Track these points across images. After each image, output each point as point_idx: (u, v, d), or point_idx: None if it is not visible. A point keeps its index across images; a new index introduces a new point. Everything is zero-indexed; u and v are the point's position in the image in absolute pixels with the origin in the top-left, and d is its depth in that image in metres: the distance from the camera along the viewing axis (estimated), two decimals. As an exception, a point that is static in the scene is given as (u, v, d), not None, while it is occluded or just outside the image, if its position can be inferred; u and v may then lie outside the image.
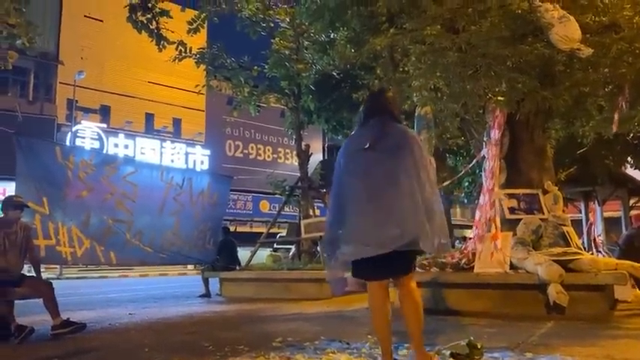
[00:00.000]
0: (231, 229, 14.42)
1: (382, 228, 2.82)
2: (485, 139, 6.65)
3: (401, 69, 6.45)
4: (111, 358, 4.00)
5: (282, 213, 11.91)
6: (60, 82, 24.77)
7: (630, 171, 14.95)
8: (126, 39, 22.84)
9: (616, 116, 6.09)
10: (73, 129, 23.51)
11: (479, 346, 3.26)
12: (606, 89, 6.01)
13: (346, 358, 3.23)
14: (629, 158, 12.96)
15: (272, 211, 26.42)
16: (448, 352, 3.22)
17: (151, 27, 8.43)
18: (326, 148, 33.03)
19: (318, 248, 10.25)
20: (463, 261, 6.39)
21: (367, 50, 6.61)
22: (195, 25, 10.09)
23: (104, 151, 23.57)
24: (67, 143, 21.99)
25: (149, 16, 8.23)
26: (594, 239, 9.96)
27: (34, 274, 5.26)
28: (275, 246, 16.83)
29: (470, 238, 6.95)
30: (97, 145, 24.17)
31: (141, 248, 7.71)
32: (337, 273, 3.13)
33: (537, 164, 6.75)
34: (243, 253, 11.08)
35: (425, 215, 2.84)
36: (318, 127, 14.56)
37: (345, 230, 2.95)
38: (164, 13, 8.18)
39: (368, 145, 2.99)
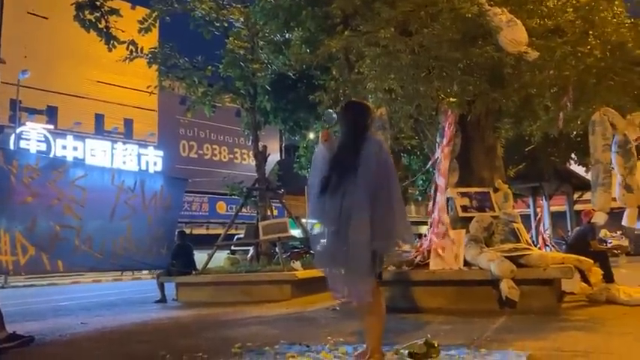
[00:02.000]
0: (187, 231, 14.13)
1: None
2: (438, 139, 6.80)
3: (356, 70, 6.49)
4: (61, 372, 3.84)
5: (240, 214, 11.77)
6: (2, 82, 23.56)
7: (574, 167, 15.66)
8: (73, 37, 21.89)
9: (561, 115, 6.36)
10: (17, 131, 22.44)
11: (435, 345, 3.32)
12: (552, 90, 6.26)
13: (306, 362, 3.22)
14: (573, 155, 13.58)
15: (229, 212, 26.10)
16: (406, 352, 3.26)
17: (99, 26, 8.17)
18: (283, 149, 32.93)
19: (277, 249, 10.20)
20: (418, 258, 6.50)
21: (323, 52, 6.62)
22: (146, 24, 9.84)
23: (52, 154, 22.63)
24: (11, 145, 20.99)
25: (97, 14, 7.96)
26: (542, 235, 10.36)
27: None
28: (232, 248, 16.61)
29: (425, 235, 7.08)
30: (43, 147, 23.15)
31: (91, 254, 7.41)
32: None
33: (488, 163, 6.97)
34: (199, 256, 10.89)
35: None
36: (275, 127, 14.47)
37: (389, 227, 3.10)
38: (113, 11, 7.94)
39: None
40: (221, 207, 29.54)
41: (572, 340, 3.72)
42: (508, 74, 5.92)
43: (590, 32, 5.84)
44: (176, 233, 9.95)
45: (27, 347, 4.71)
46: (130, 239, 8.06)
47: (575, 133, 9.56)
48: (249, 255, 13.16)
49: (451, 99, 5.86)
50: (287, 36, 10.45)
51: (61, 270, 7.01)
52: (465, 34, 5.68)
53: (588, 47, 5.69)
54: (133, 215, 8.20)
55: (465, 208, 6.73)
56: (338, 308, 6.39)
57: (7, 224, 6.32)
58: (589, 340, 3.74)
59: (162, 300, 9.58)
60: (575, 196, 18.61)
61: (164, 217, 8.92)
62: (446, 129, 6.48)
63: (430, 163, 7.43)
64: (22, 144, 22.29)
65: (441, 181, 6.51)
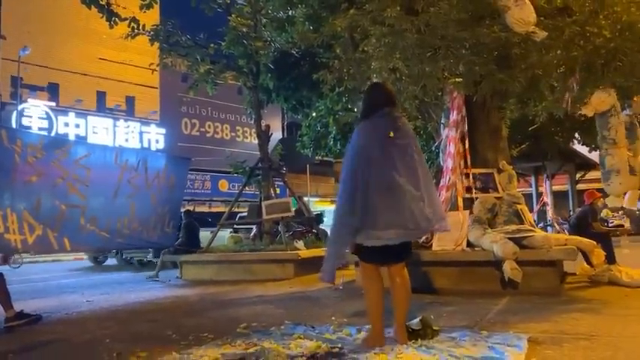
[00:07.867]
0: (190, 208, 14.18)
1: (413, 215, 3.00)
2: (443, 120, 6.76)
3: (361, 49, 6.42)
4: (70, 351, 3.89)
5: (242, 192, 11.77)
6: (2, 58, 23.39)
7: (578, 147, 15.59)
8: (74, 13, 21.69)
9: (567, 96, 6.30)
10: (19, 108, 22.35)
11: (433, 327, 3.36)
12: (559, 71, 6.18)
13: (314, 345, 3.25)
14: (576, 134, 13.51)
15: (231, 190, 26.15)
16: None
17: (100, 2, 8.09)
18: (285, 127, 32.80)
19: (279, 228, 10.25)
20: (422, 238, 6.52)
21: (327, 30, 6.54)
22: (147, 0, 9.70)
23: (54, 131, 22.60)
24: (13, 123, 20.94)
25: (98, -10, 7.86)
26: (552, 216, 10.38)
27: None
28: (235, 227, 16.68)
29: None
30: (45, 124, 23.08)
31: (97, 234, 7.47)
32: (342, 260, 3.37)
33: (493, 144, 6.94)
34: (202, 234, 10.96)
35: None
36: (277, 106, 14.38)
37: (372, 215, 3.01)
38: (114, -13, 7.83)
39: (392, 135, 3.12)
40: (223, 185, 29.56)
41: (575, 322, 3.76)
42: (515, 54, 5.85)
43: (600, 12, 5.74)
44: (182, 212, 10.01)
45: (35, 325, 4.77)
46: (134, 218, 8.11)
47: (579, 113, 9.50)
48: (252, 234, 13.22)
49: (457, 79, 5.81)
50: (290, 13, 10.31)
51: (69, 249, 7.06)
52: (472, 14, 5.60)
53: (597, 27, 5.61)
54: (137, 194, 8.23)
55: (468, 189, 6.73)
56: (341, 287, 6.45)
57: (13, 203, 6.36)
58: (592, 322, 3.78)
59: (155, 276, 9.67)
60: (578, 175, 18.58)
61: (168, 196, 8.95)
62: (452, 110, 6.42)
63: (436, 143, 7.39)
64: (24, 121, 22.21)
65: (448, 163, 6.48)
